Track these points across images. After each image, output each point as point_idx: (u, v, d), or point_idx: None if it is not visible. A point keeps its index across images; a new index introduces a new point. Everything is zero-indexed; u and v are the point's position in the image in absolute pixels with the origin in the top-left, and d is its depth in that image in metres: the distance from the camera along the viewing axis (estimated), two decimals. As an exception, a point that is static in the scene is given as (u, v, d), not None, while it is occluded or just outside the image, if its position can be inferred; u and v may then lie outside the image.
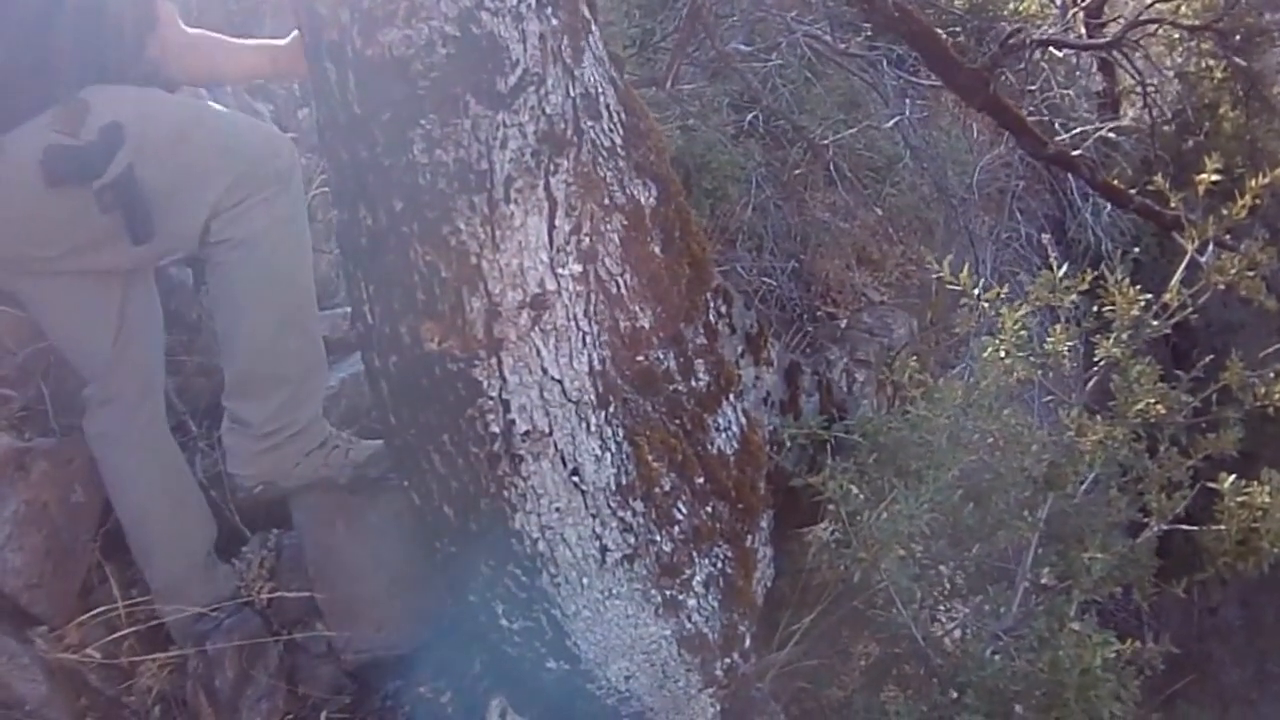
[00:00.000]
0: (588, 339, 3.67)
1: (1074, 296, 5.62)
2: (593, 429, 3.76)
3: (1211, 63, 14.14)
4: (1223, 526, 5.48)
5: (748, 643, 4.65)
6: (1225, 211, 5.58)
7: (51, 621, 4.49)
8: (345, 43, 3.27)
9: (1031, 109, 10.77)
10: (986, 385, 5.50)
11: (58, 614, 4.52)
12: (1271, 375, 5.71)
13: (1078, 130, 11.04)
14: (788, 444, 5.70)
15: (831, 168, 8.99)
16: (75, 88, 3.88)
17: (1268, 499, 5.38)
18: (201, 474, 4.95)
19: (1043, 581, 5.50)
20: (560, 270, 3.55)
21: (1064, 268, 5.71)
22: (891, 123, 9.68)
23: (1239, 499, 5.44)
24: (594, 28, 3.70)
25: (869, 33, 10.13)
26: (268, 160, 4.23)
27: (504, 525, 3.86)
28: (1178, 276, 5.66)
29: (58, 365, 4.89)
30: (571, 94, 3.51)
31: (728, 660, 4.53)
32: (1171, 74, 14.31)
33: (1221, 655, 15.07)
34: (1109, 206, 11.43)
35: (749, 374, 5.44)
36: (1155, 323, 5.63)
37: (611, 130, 3.74)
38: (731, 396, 4.41)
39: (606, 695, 4.35)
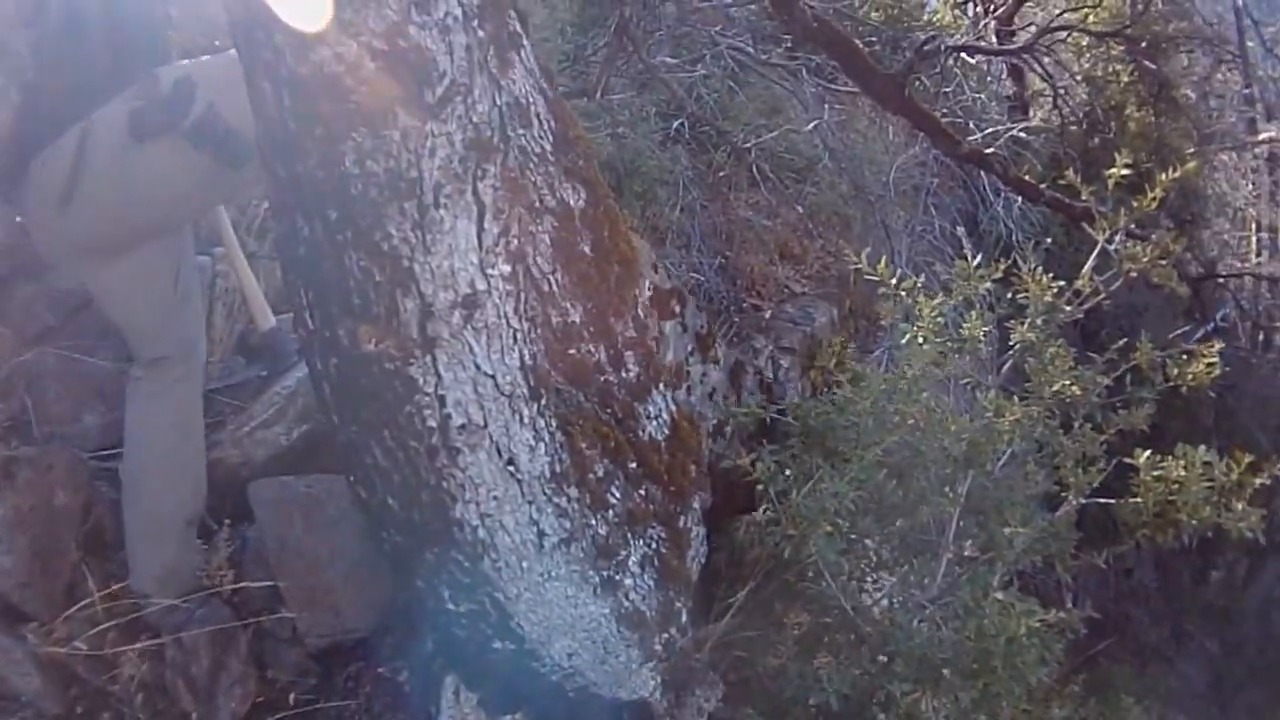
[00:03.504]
0: (518, 335, 3.65)
1: (988, 284, 5.61)
2: (526, 420, 3.75)
3: (1119, 67, 14.28)
4: (1139, 500, 5.49)
5: (684, 618, 4.66)
6: (1136, 204, 5.57)
7: (41, 618, 4.53)
8: (279, 63, 3.23)
9: (945, 111, 10.83)
10: (910, 371, 5.51)
11: (46, 611, 4.55)
12: (1180, 355, 5.70)
13: (989, 130, 11.10)
14: (728, 431, 5.72)
15: (754, 170, 9.04)
16: (147, 68, 4.15)
17: (1183, 472, 5.38)
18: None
19: (966, 553, 5.50)
20: (490, 271, 3.52)
21: (977, 258, 5.72)
22: (810, 126, 9.68)
23: (1154, 473, 5.44)
24: (525, 42, 3.68)
25: (789, 44, 10.15)
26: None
27: (445, 514, 3.84)
28: (1090, 264, 5.66)
29: (39, 379, 5.02)
30: (498, 102, 3.47)
31: (665, 635, 4.54)
32: (1080, 78, 14.40)
33: (1140, 617, 15.17)
34: (1019, 201, 11.49)
35: (697, 371, 5.47)
36: (1068, 308, 5.62)
37: (541, 137, 3.72)
38: (661, 385, 4.40)
39: (551, 672, 4.34)
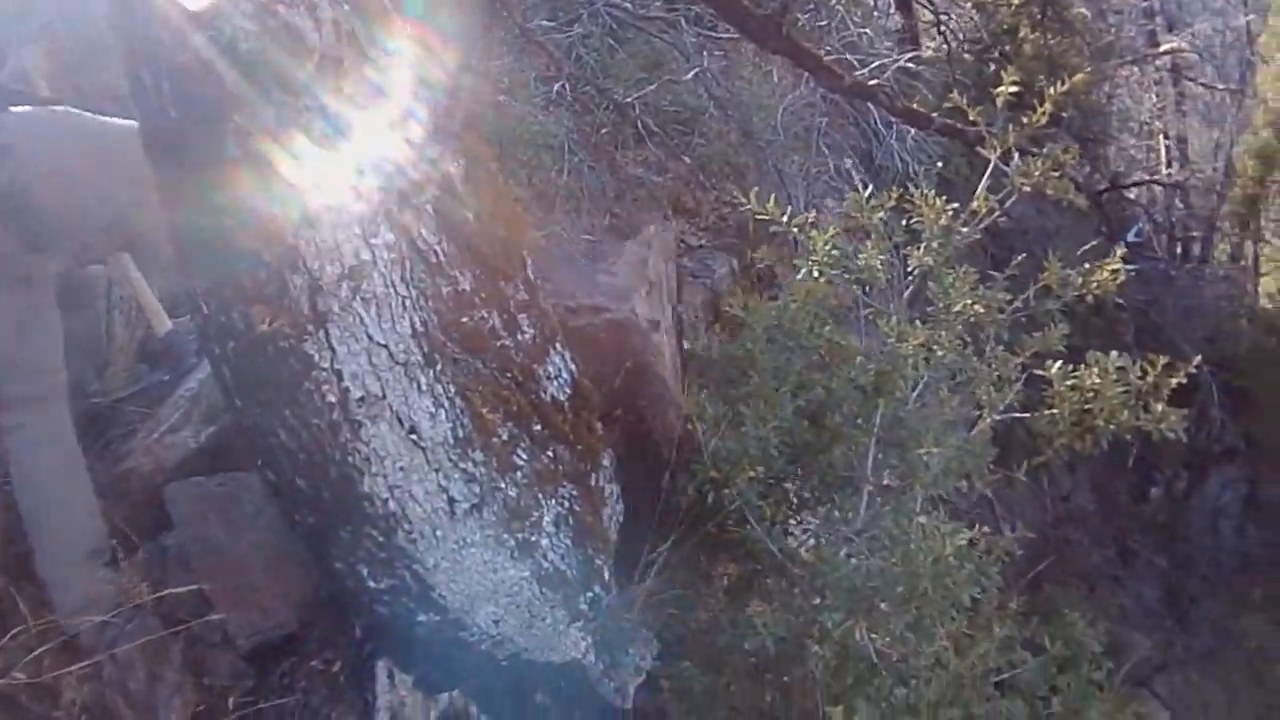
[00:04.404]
0: (407, 303, 3.72)
1: (883, 214, 5.72)
2: (424, 388, 3.82)
3: (1009, -11, 14.42)
4: (1055, 411, 5.62)
5: (606, 575, 4.77)
6: (1026, 121, 5.69)
7: (-24, 649, 4.55)
8: (158, 51, 3.31)
9: (830, 49, 10.85)
10: (802, 303, 5.61)
11: (-21, 641, 4.56)
12: (1086, 267, 5.82)
13: (876, 64, 11.19)
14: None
15: (639, 126, 9.08)
16: None
17: (1097, 380, 5.52)
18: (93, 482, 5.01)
19: (885, 483, 5.61)
20: (373, 240, 3.59)
21: (869, 190, 5.82)
22: (691, 75, 9.73)
23: (1069, 383, 5.58)
24: (395, 17, 3.76)
25: (667, -5, 10.23)
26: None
27: (354, 489, 3.91)
28: (984, 183, 5.77)
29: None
30: (368, 74, 3.58)
31: (589, 594, 4.65)
32: (969, 5, 14.53)
33: (1080, 539, 15.30)
34: (913, 132, 11.56)
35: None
36: (965, 229, 5.74)
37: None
38: (558, 345, 4.49)
39: (480, 641, 4.44)
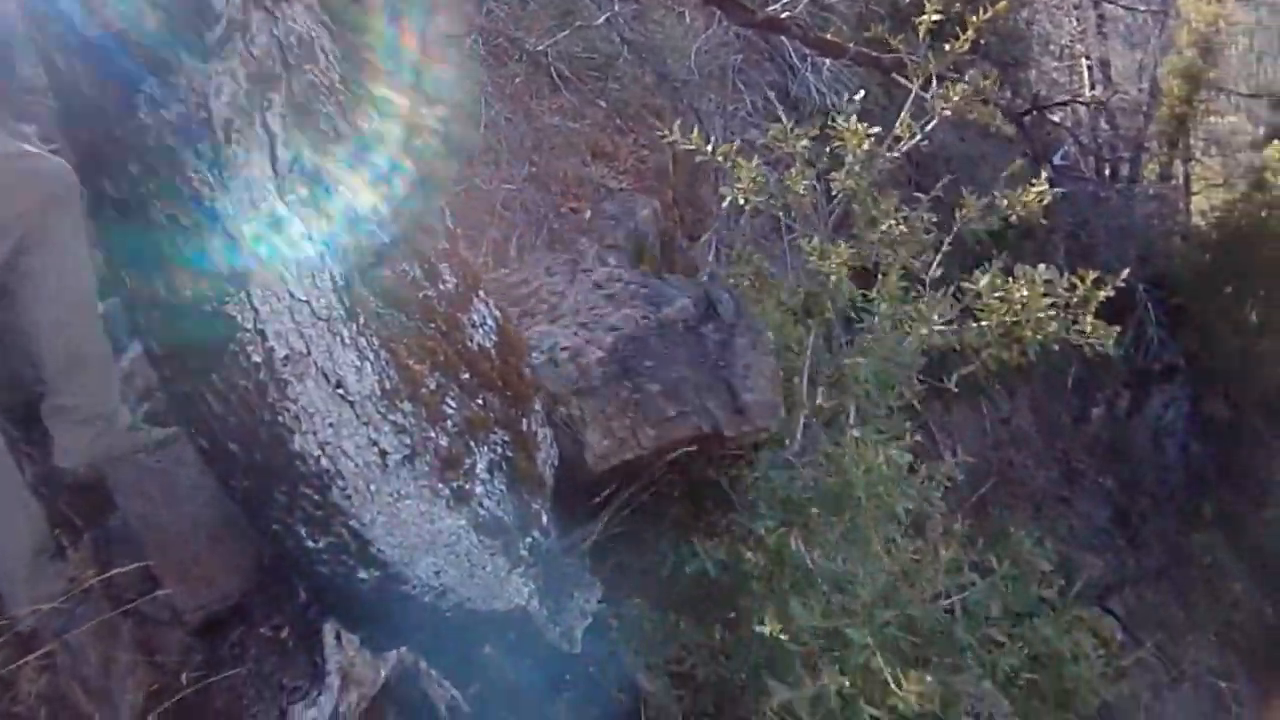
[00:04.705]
0: (325, 256, 3.74)
1: (806, 142, 5.79)
2: (347, 341, 3.86)
3: (921, -87, 14.40)
4: (984, 323, 5.70)
5: (545, 519, 4.82)
6: (947, 48, 5.75)
7: (-68, 647, 4.54)
8: (68, 31, 3.31)
9: (741, -14, 10.93)
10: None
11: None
12: (1008, 188, 5.90)
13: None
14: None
15: (554, 74, 9.17)
16: None
17: (1025, 293, 5.60)
18: (30, 478, 5.03)
19: (819, 403, 5.69)
20: (288, 196, 3.62)
21: (792, 121, 5.89)
22: (603, 20, 9.77)
23: (996, 295, 5.66)
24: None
25: (577, -57, 10.26)
26: (30, 195, 4.53)
27: (286, 449, 3.94)
28: (906, 109, 5.86)
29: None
30: (275, 33, 3.55)
31: (528, 539, 4.70)
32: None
33: (1023, 461, 15.44)
34: (828, 64, 11.61)
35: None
36: (888, 154, 5.81)
37: (329, 69, 3.80)
38: (481, 293, 4.53)
39: (422, 594, 4.49)
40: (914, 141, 5.89)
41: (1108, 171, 19.44)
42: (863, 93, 8.17)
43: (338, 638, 4.80)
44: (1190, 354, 17.17)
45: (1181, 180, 20.78)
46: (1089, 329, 5.67)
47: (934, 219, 5.90)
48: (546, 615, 4.98)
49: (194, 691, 4.76)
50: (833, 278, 5.60)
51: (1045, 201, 5.98)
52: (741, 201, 5.72)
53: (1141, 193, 19.35)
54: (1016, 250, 6.70)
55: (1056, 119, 17.99)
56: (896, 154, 5.93)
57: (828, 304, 5.60)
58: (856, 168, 5.74)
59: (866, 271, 5.99)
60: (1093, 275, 5.72)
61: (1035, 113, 16.29)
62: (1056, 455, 16.39)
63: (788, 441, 5.49)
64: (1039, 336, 5.69)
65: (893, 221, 5.72)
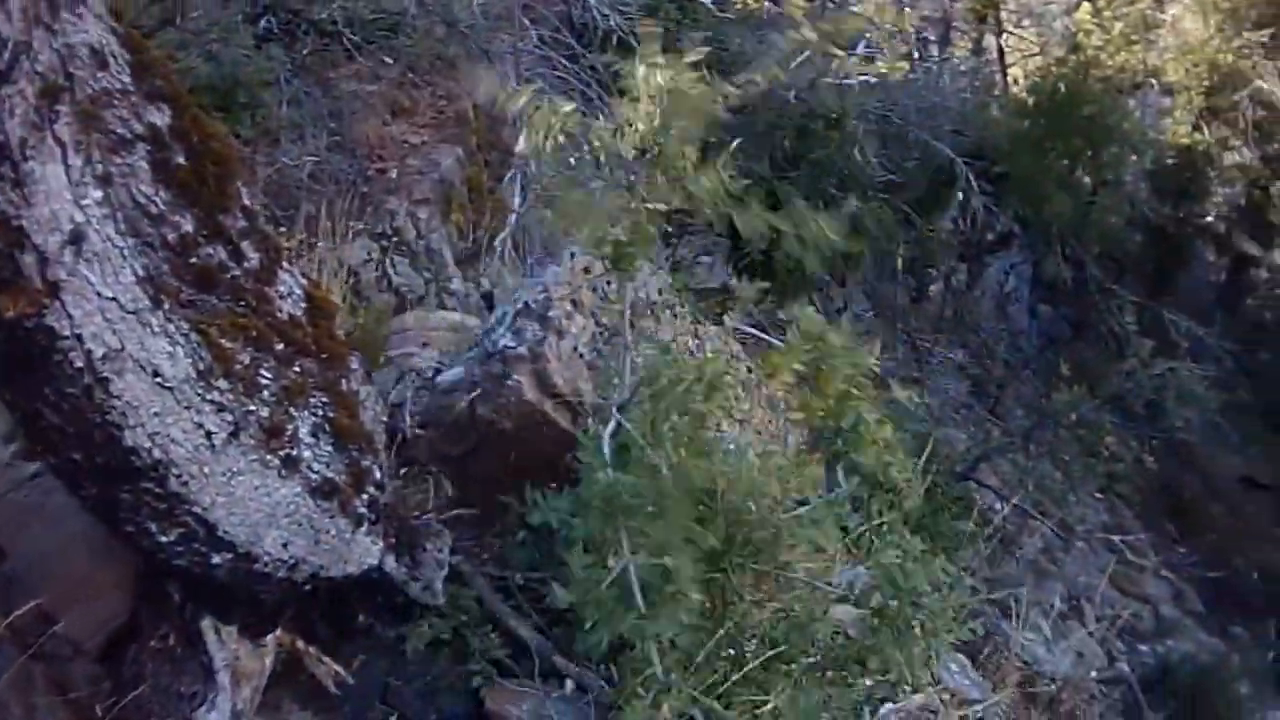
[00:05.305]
0: (126, 253, 3.84)
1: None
2: (157, 329, 3.95)
3: None
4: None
5: (378, 474, 4.95)
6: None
7: None
8: None
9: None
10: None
11: None
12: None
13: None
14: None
15: (345, 41, 9.26)
16: None
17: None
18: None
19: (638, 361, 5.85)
20: (84, 201, 3.70)
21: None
22: (385, -26, 9.86)
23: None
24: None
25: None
26: None
27: (120, 447, 4.03)
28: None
29: None
30: (55, 47, 3.63)
31: (365, 496, 4.84)
32: None
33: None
34: (612, -12, 11.64)
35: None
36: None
37: (119, 73, 3.92)
38: (285, 264, 4.65)
39: (275, 569, 4.62)
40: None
41: (914, 53, 19.64)
42: (650, 14, 8.18)
43: (217, 632, 4.90)
44: (1024, 220, 17.39)
45: (995, 53, 21.07)
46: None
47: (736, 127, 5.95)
48: (405, 571, 5.13)
49: (110, 720, 4.79)
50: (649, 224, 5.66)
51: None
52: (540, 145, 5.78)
53: (952, 69, 19.57)
54: (825, 138, 6.81)
55: (857, 9, 18.11)
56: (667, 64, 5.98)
57: (647, 240, 5.68)
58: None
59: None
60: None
61: (824, 5, 16.26)
62: (901, 337, 16.55)
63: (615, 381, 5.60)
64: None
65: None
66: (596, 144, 5.66)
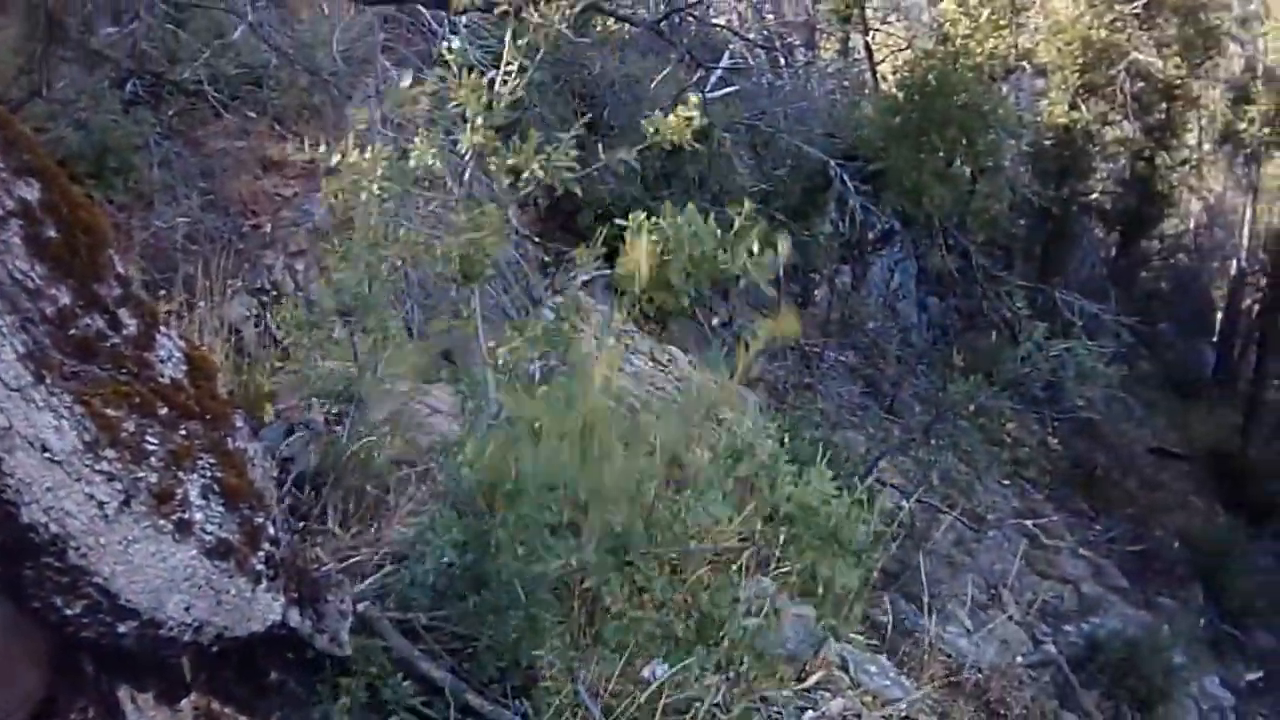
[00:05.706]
0: (5, 330, 3.86)
1: (425, 103, 5.93)
2: (41, 405, 3.95)
3: None
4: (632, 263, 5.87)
5: (273, 530, 4.96)
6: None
7: None
8: None
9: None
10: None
11: None
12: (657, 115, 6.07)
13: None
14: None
15: (210, 99, 9.29)
16: None
17: (670, 235, 5.83)
18: None
19: (499, 364, 5.91)
20: None
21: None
22: (239, 31, 9.89)
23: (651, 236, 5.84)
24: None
25: (211, -33, 10.34)
26: None
27: (18, 525, 4.02)
28: (508, 40, 6.01)
29: None
30: None
31: (261, 552, 4.85)
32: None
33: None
34: (465, 19, 11.60)
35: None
36: (505, 97, 5.98)
37: None
38: (162, 328, 4.68)
39: (181, 633, 4.60)
40: (526, 76, 6.02)
41: (780, 60, 19.75)
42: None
43: (133, 701, 4.88)
44: (904, 215, 17.53)
45: (863, 51, 21.26)
46: (746, 265, 5.88)
47: (580, 153, 6.00)
48: (310, 625, 5.16)
49: (37, 816, 4.77)
50: (490, 239, 5.71)
51: (695, 126, 6.04)
52: (376, 191, 5.80)
53: (820, 72, 19.73)
54: (694, 158, 6.85)
55: (721, 22, 18.19)
56: (512, 92, 6.02)
57: (483, 263, 5.71)
58: (478, 122, 5.86)
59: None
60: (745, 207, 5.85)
61: (680, 19, 16.25)
62: (790, 344, 16.60)
63: (482, 404, 5.66)
64: (688, 283, 5.90)
65: (535, 166, 5.83)
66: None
